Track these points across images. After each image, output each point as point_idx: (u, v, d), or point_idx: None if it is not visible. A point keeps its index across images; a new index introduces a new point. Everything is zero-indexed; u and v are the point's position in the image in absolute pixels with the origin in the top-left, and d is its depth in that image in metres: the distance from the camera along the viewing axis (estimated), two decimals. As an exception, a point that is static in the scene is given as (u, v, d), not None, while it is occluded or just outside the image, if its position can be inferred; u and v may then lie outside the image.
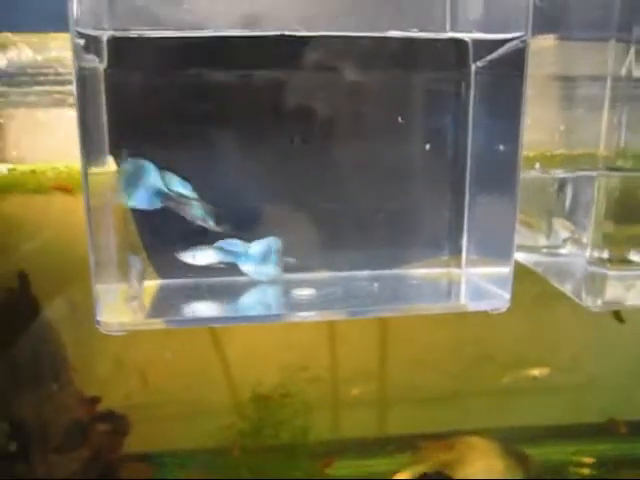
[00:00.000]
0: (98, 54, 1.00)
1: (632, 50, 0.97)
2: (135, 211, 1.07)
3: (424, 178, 1.16)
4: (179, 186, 1.04)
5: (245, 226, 1.11)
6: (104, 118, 1.03)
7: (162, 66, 1.05)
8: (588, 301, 1.07)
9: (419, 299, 1.07)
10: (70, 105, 1.32)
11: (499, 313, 1.05)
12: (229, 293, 1.09)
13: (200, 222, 1.05)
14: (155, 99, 1.07)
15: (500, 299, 1.04)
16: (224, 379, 1.80)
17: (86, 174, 0.91)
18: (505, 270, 1.03)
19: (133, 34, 0.99)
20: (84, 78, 0.93)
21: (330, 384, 1.85)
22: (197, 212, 1.05)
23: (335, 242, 1.15)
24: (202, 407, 1.78)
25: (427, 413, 1.92)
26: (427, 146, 1.13)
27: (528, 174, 1.21)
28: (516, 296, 1.80)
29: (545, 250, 1.25)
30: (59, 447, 1.62)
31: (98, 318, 0.97)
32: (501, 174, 1.05)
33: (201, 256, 1.05)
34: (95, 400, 1.73)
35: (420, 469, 1.77)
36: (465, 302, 1.06)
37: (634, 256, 1.09)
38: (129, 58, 1.04)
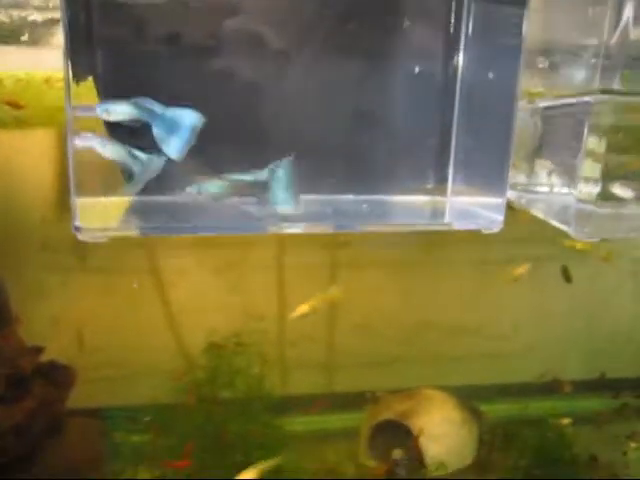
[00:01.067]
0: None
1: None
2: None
3: (411, 102, 1.12)
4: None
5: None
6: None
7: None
8: (579, 233, 1.07)
9: (406, 218, 1.04)
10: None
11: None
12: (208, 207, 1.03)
13: None
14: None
15: (492, 220, 1.02)
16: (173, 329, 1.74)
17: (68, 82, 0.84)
18: (498, 199, 1.01)
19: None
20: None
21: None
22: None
23: (320, 168, 1.10)
24: (154, 359, 1.71)
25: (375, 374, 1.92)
26: (416, 69, 1.10)
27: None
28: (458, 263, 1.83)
29: (526, 188, 1.25)
30: (1, 398, 1.51)
31: (77, 224, 0.90)
32: (495, 102, 1.04)
33: (115, 111, 0.95)
34: (38, 350, 1.63)
35: (378, 420, 1.76)
36: (451, 221, 1.04)
37: (618, 189, 1.10)
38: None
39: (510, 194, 1.17)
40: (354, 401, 1.87)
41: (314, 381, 1.93)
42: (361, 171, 1.12)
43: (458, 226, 1.02)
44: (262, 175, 0.97)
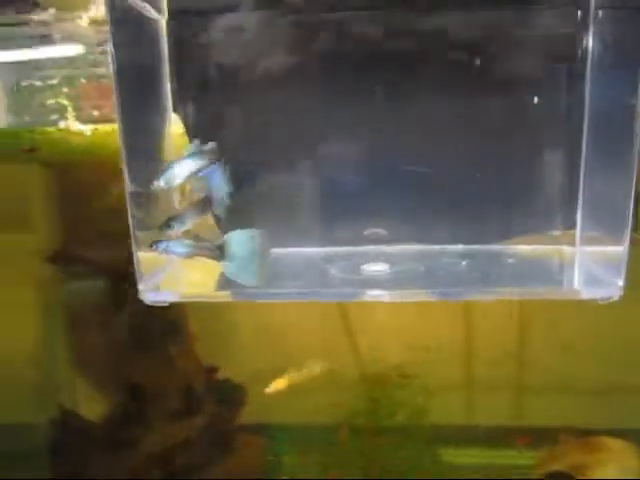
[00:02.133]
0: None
1: None
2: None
3: (532, 138, 0.96)
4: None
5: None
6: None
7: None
8: None
9: (507, 281, 0.89)
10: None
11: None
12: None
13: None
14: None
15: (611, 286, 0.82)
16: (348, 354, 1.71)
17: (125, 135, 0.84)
18: (619, 250, 0.81)
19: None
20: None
21: (459, 365, 1.69)
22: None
23: (427, 212, 0.99)
24: (321, 381, 1.70)
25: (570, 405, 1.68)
26: (535, 99, 0.93)
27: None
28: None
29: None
30: (175, 414, 1.62)
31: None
32: (619, 134, 0.84)
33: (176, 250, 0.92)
34: (213, 369, 1.71)
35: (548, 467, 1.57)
36: (561, 288, 0.86)
37: None
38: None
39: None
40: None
41: (498, 410, 1.77)
42: (473, 217, 0.99)
43: (570, 294, 0.84)
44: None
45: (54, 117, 1.29)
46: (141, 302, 0.99)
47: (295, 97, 0.99)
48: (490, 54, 0.95)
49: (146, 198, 0.92)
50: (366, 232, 1.03)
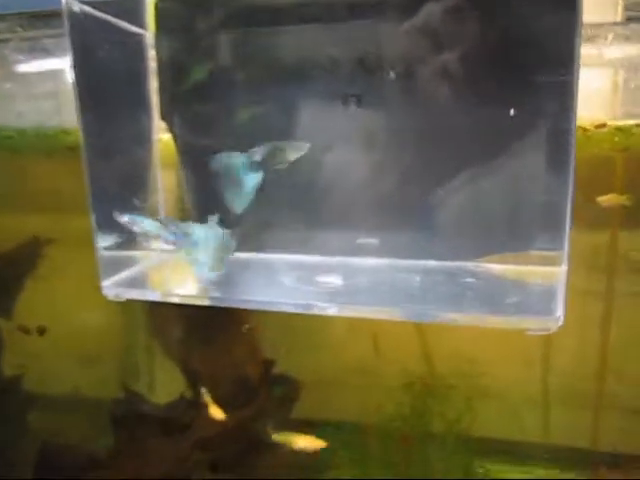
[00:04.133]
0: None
1: None
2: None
3: (516, 151, 0.90)
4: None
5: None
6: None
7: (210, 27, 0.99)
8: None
9: (445, 303, 0.84)
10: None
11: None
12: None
13: None
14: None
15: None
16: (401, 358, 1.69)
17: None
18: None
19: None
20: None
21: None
22: None
23: (396, 226, 0.97)
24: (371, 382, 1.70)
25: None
26: (512, 111, 0.88)
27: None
28: None
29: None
30: (225, 402, 1.69)
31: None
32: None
33: (140, 224, 0.95)
34: (269, 362, 1.76)
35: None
36: (494, 315, 0.80)
37: None
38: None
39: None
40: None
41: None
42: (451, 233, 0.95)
43: (499, 323, 0.79)
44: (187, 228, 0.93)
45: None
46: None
47: (277, 107, 1.00)
48: (472, 69, 0.90)
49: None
50: (359, 241, 1.01)
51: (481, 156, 0.93)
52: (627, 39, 1.10)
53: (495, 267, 0.94)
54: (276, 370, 1.77)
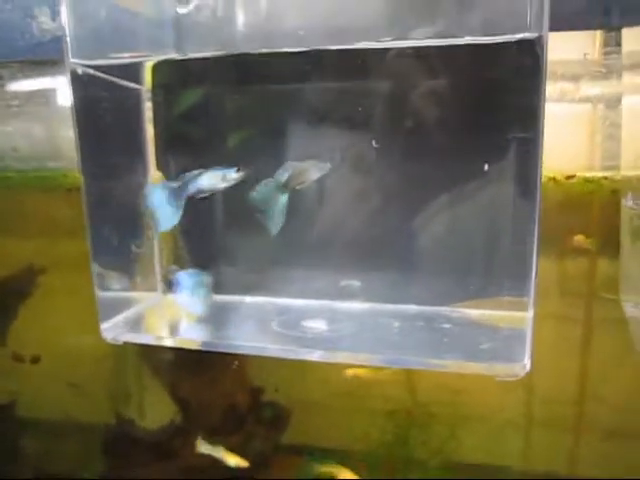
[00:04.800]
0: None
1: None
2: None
3: (489, 201, 0.97)
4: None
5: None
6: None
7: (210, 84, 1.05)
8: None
9: (423, 349, 0.91)
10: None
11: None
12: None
13: None
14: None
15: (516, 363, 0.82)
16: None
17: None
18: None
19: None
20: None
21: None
22: None
23: (379, 270, 1.03)
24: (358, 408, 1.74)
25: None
26: (485, 166, 0.94)
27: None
28: None
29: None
30: (214, 429, 1.74)
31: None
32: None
33: None
34: (258, 390, 1.81)
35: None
36: (468, 361, 0.87)
37: None
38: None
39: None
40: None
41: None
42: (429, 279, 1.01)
43: (472, 369, 0.85)
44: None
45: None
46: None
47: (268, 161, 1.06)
48: (443, 120, 0.97)
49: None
50: (342, 283, 1.07)
51: (457, 206, 0.99)
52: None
53: (470, 312, 1.00)
54: (265, 397, 1.81)
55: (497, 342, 0.92)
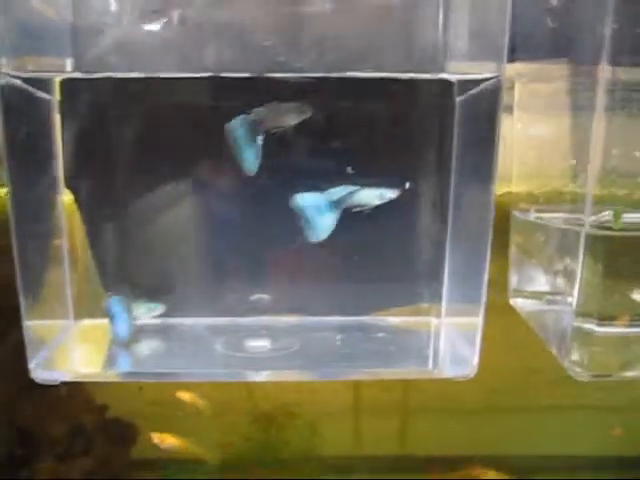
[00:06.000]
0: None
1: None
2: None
3: (404, 217, 1.05)
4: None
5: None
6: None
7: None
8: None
9: (375, 359, 0.97)
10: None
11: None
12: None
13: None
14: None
15: (466, 364, 0.92)
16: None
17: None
18: (474, 327, 0.91)
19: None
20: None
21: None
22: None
23: (306, 283, 1.07)
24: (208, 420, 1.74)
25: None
26: (407, 184, 1.02)
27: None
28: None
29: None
30: (62, 455, 1.62)
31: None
32: (476, 216, 0.94)
33: None
34: (103, 408, 1.72)
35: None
36: (428, 367, 0.95)
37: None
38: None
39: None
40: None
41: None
42: (349, 288, 1.07)
43: (435, 374, 0.93)
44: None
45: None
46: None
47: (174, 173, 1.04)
48: (362, 136, 1.03)
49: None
50: (252, 298, 1.08)
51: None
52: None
53: (394, 320, 1.09)
54: (110, 414, 1.74)
55: (439, 346, 1.02)
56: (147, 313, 1.04)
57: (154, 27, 0.93)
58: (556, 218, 1.01)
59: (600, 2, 0.80)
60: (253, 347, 1.00)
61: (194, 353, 1.01)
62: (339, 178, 1.01)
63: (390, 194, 1.00)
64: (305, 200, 0.99)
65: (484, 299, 0.92)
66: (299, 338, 1.03)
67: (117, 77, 0.94)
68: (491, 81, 0.87)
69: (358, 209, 1.01)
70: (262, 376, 0.94)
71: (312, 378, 0.95)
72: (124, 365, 0.99)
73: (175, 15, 0.92)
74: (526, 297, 1.15)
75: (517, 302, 1.16)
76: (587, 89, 0.86)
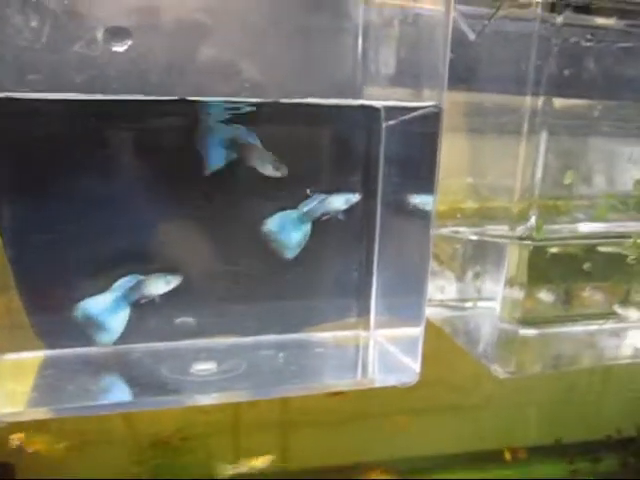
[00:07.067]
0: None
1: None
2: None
3: (330, 235, 1.10)
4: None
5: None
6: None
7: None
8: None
9: (324, 373, 1.01)
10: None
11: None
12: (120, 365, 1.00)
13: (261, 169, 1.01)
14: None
15: (409, 372, 0.98)
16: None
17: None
18: (414, 337, 0.98)
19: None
20: None
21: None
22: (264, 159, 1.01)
23: (237, 303, 1.07)
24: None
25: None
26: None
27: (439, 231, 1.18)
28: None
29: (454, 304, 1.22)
30: None
31: None
32: (412, 231, 1.01)
33: None
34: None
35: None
36: (372, 377, 1.01)
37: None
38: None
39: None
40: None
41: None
42: (281, 305, 1.10)
43: (379, 382, 0.99)
44: None
45: None
46: None
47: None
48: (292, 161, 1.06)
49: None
50: (177, 321, 1.06)
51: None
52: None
53: (325, 335, 1.13)
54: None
55: (381, 357, 1.08)
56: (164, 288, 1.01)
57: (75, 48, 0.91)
58: (476, 232, 1.11)
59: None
60: (200, 370, 0.99)
61: (141, 380, 0.97)
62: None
63: (354, 198, 1.06)
64: (276, 221, 1.00)
65: (424, 310, 0.98)
66: (243, 358, 1.03)
67: (33, 98, 0.89)
68: (429, 108, 0.94)
69: (327, 217, 1.05)
70: (213, 398, 0.93)
71: (265, 397, 0.96)
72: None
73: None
74: (435, 306, 1.25)
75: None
76: (510, 115, 0.97)
